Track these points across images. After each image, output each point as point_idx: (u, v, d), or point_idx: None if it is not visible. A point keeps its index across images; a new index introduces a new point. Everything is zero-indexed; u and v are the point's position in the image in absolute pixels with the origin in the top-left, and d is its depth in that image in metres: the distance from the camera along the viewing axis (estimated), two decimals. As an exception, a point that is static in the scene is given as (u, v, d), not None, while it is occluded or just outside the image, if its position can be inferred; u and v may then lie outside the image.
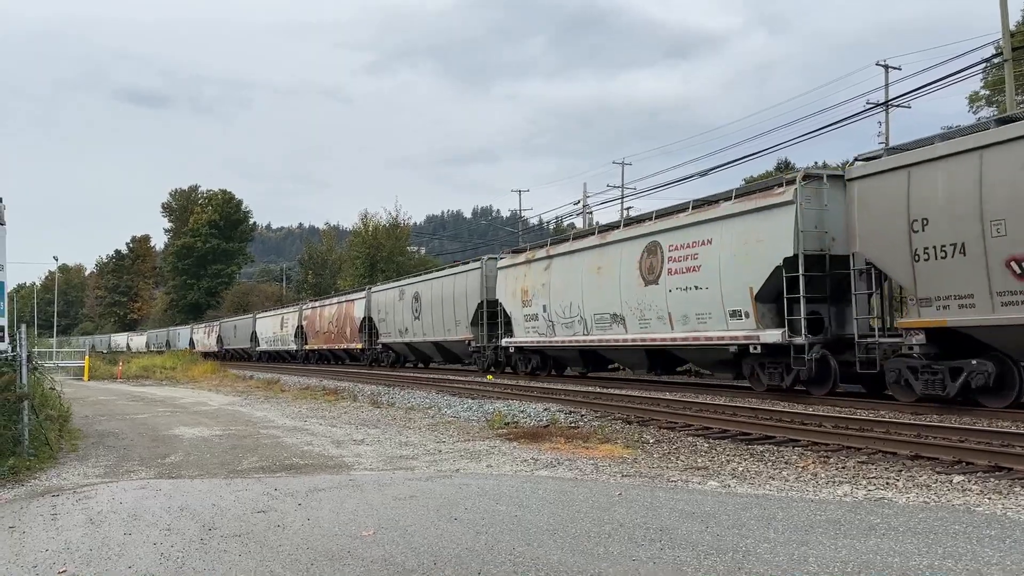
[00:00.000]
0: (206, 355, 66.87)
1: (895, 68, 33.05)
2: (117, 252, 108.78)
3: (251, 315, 58.35)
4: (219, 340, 65.21)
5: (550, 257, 22.84)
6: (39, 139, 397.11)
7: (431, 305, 30.50)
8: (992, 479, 7.07)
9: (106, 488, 7.63)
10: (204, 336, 70.91)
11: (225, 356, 63.30)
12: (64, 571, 4.81)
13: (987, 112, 32.06)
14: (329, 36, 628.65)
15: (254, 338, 55.73)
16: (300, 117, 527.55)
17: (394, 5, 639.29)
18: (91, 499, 7.07)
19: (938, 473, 7.46)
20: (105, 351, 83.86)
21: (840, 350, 14.45)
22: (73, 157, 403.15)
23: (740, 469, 8.06)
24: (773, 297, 15.22)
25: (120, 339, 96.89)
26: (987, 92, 33.03)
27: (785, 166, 45.37)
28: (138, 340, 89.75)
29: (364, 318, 37.03)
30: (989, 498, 6.30)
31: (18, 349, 9.73)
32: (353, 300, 39.39)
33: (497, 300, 25.71)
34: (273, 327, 52.23)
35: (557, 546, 5.05)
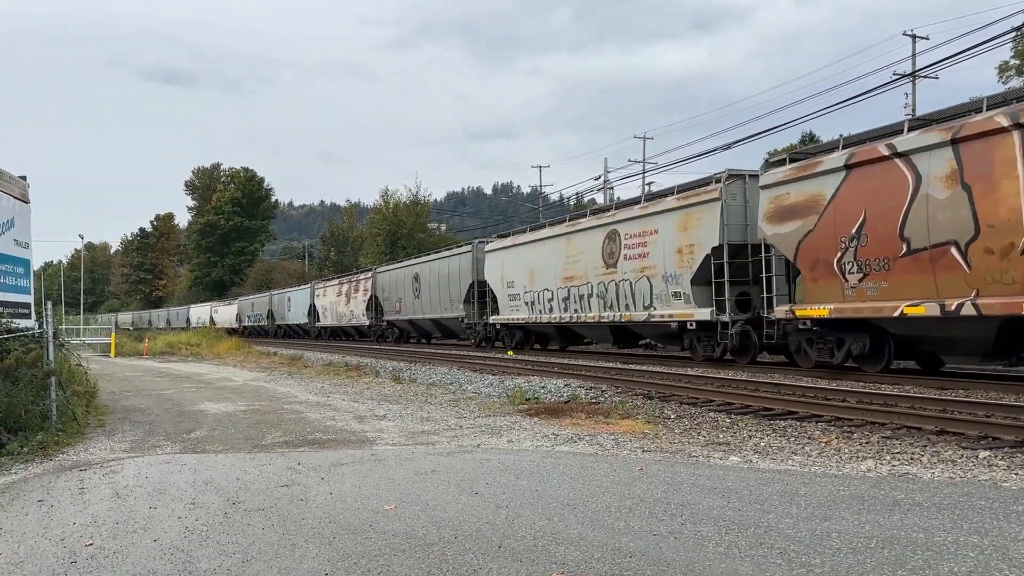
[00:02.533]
0: (352, 332, 43.97)
1: (923, 38, 32.49)
2: (141, 230, 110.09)
3: (465, 248, 30.85)
4: (373, 305, 39.36)
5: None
6: (64, 118, 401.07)
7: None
8: (1019, 454, 6.99)
9: (132, 463, 7.74)
10: (340, 300, 44.51)
11: (381, 335, 38.87)
12: (91, 544, 4.89)
13: (1016, 82, 31.38)
14: (352, 11, 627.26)
15: (474, 298, 29.16)
16: (323, 94, 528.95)
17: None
18: (117, 473, 7.17)
19: (964, 448, 7.38)
20: (184, 327, 69.24)
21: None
22: (98, 136, 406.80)
23: (762, 444, 8.02)
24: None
25: (200, 311, 75.74)
26: (1017, 62, 32.33)
27: (809, 139, 44.75)
28: (226, 312, 69.12)
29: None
30: (1016, 473, 6.22)
31: (45, 326, 9.85)
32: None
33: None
34: (534, 268, 24.75)
35: (577, 521, 5.05)
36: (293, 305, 53.68)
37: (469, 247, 30.08)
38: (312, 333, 50.23)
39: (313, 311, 49.52)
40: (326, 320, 47.19)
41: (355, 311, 42.31)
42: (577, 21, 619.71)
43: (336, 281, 46.60)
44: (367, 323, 40.90)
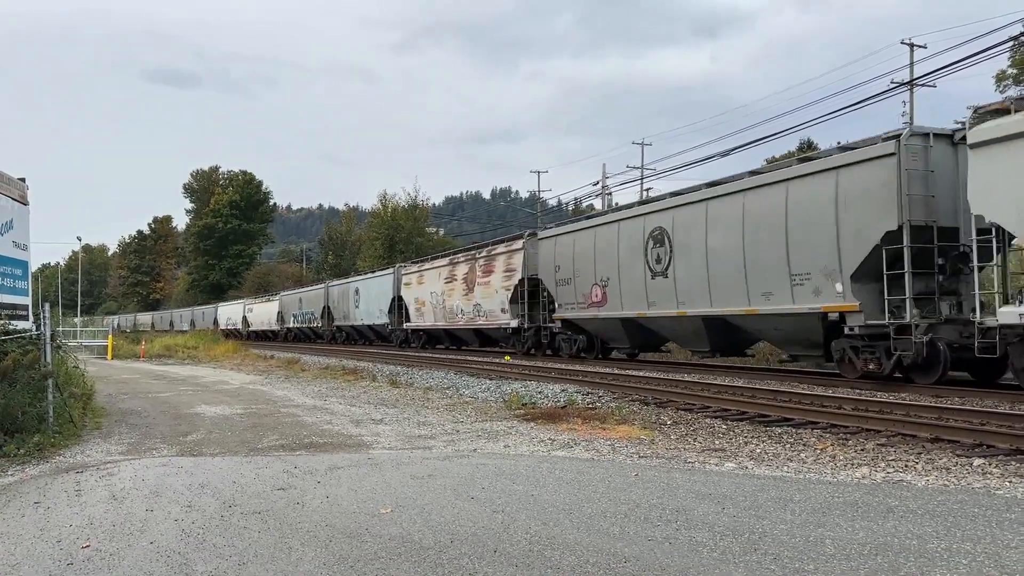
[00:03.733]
0: (468, 338, 30.11)
1: (920, 47, 32.58)
2: (139, 232, 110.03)
3: (878, 149, 13.02)
4: (521, 296, 24.88)
5: None
6: (64, 120, 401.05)
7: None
8: (1013, 462, 7.01)
9: (129, 465, 7.75)
10: (452, 289, 29.63)
11: (540, 344, 24.59)
12: (87, 546, 4.90)
13: (1014, 91, 31.49)
14: (356, 13, 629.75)
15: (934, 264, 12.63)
16: (325, 96, 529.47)
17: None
18: (114, 476, 7.18)
19: (958, 456, 7.40)
20: (211, 328, 60.52)
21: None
22: (98, 138, 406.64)
23: (758, 451, 8.04)
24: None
25: (231, 311, 63.41)
26: (1014, 71, 32.43)
27: (808, 146, 44.88)
28: (263, 311, 56.06)
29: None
30: (1010, 481, 6.25)
31: (42, 328, 9.86)
32: None
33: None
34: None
35: (573, 526, 5.07)
36: (364, 299, 38.45)
37: (886, 144, 13.14)
38: (396, 339, 35.44)
39: (399, 307, 34.79)
40: (423, 319, 32.51)
41: (487, 305, 26.72)
42: (579, 26, 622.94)
43: (444, 262, 31.06)
44: (512, 324, 25.24)
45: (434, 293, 31.46)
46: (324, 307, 45.02)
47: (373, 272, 41.01)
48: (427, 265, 33.20)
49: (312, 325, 47.37)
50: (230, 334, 59.20)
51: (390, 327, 35.89)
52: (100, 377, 18.70)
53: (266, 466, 7.46)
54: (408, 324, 34.06)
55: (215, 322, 64.90)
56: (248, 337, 56.99)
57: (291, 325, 51.51)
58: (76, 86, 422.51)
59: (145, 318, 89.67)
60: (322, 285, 46.81)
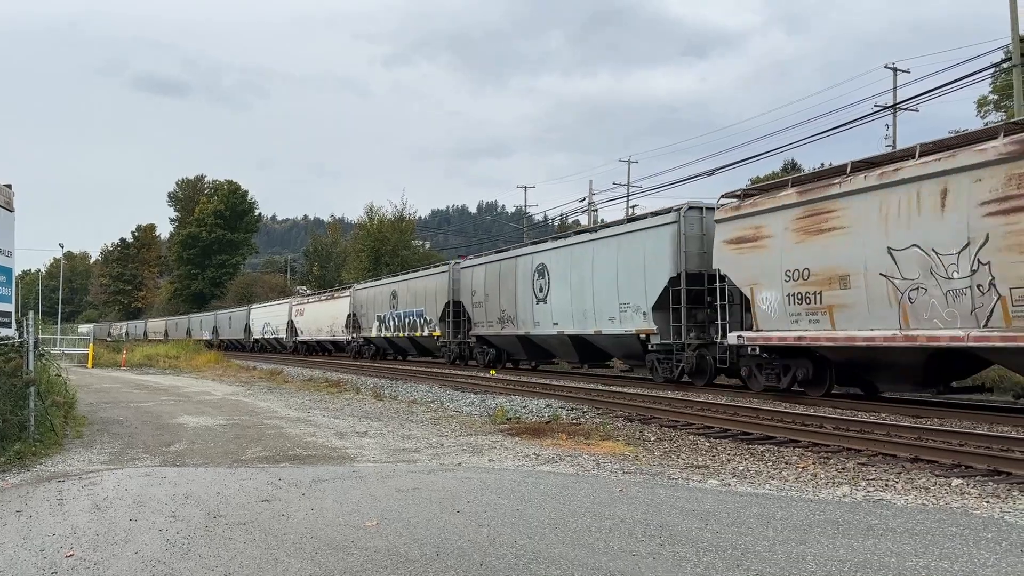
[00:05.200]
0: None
1: (904, 71, 33.07)
2: (122, 240, 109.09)
3: None
4: None
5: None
6: (50, 126, 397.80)
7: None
8: (991, 483, 7.12)
9: (111, 475, 7.71)
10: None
11: None
12: (71, 555, 4.88)
13: (995, 117, 31.97)
14: (350, 27, 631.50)
15: None
16: (316, 108, 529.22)
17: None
18: (97, 485, 7.14)
19: (937, 476, 7.50)
20: (241, 338, 51.62)
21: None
22: (83, 145, 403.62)
23: (740, 468, 8.11)
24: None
25: (270, 315, 49.00)
26: (995, 97, 32.95)
27: (792, 167, 45.31)
28: (320, 314, 41.18)
29: None
30: (987, 501, 6.35)
31: (25, 335, 9.80)
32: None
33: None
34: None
35: (558, 540, 5.10)
36: (562, 283, 21.70)
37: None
38: (676, 368, 18.05)
39: (673, 300, 17.69)
40: (829, 322, 13.64)
41: None
42: (570, 43, 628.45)
43: (977, 159, 11.05)
44: None
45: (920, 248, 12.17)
46: (447, 304, 27.88)
47: (607, 227, 21.55)
48: (845, 184, 13.41)
49: (416, 334, 30.57)
50: (265, 346, 48.47)
51: (657, 342, 18.31)
52: (81, 386, 18.53)
53: (250, 477, 7.44)
54: (747, 334, 15.70)
55: (247, 329, 52.04)
56: (295, 351, 43.91)
57: (373, 334, 34.52)
58: (63, 91, 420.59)
59: (157, 324, 79.27)
60: (445, 267, 29.48)
